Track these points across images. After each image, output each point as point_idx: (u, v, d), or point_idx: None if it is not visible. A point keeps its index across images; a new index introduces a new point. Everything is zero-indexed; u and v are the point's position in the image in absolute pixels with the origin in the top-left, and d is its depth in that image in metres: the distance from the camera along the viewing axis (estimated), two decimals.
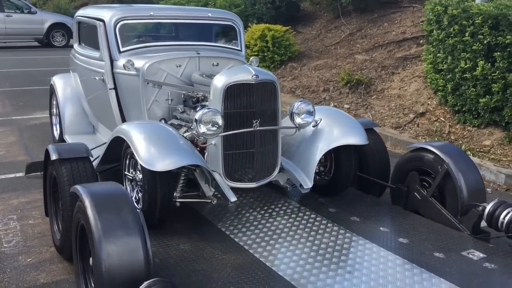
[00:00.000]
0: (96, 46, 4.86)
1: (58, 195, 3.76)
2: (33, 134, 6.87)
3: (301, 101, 3.92)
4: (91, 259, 2.85)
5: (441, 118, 7.01)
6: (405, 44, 9.48)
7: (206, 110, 3.44)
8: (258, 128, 3.64)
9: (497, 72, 5.86)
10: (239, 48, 5.07)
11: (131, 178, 3.66)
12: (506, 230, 3.43)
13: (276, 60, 10.37)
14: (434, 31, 6.97)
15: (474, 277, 2.97)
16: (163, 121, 4.22)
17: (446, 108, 7.08)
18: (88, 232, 2.66)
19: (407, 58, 8.92)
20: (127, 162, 3.68)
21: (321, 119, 3.98)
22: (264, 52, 10.29)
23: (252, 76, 3.54)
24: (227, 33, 5.19)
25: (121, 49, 4.57)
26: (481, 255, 3.24)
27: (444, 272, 2.99)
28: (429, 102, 7.46)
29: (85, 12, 5.44)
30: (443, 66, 6.79)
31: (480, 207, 3.59)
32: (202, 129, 3.45)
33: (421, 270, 3.01)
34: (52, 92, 6.08)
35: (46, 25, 16.72)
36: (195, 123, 3.44)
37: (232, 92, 3.56)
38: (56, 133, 6.07)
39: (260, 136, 3.69)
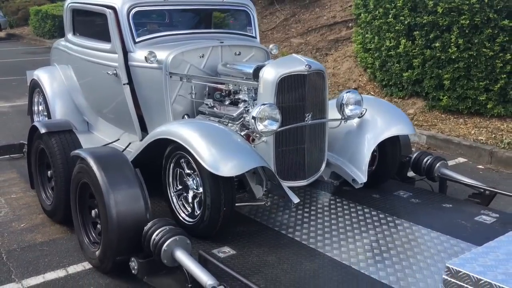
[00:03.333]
0: (102, 37, 4.40)
1: (43, 167, 4.20)
2: None
3: (348, 91, 3.72)
4: (93, 211, 3.38)
5: (371, 92, 7.87)
6: (336, 27, 10.32)
7: (263, 106, 3.21)
8: (310, 121, 3.46)
9: (417, 49, 6.73)
10: (253, 35, 4.75)
11: (181, 182, 3.42)
12: (426, 173, 4.27)
13: None
14: (362, 15, 7.80)
15: (404, 209, 3.74)
16: (186, 117, 4.02)
17: (375, 83, 7.96)
18: (95, 187, 3.16)
19: (339, 40, 9.75)
20: (171, 166, 3.43)
21: (365, 109, 3.79)
22: None
23: (305, 66, 3.35)
24: (239, 19, 4.87)
25: (136, 40, 4.17)
26: (408, 193, 4.02)
27: (383, 208, 3.71)
28: (360, 79, 8.31)
29: None
30: (371, 46, 7.63)
31: (407, 158, 4.40)
32: (260, 126, 3.23)
33: (363, 207, 3.73)
34: (34, 88, 5.57)
35: None
36: (252, 121, 3.20)
37: (285, 84, 3.35)
38: None
39: (310, 130, 3.51)
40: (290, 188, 3.34)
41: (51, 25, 17.98)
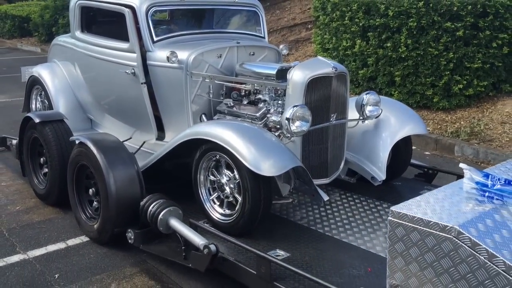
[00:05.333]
0: (118, 36, 4.44)
1: (35, 155, 4.57)
2: None
3: (368, 92, 3.89)
4: (90, 190, 3.80)
5: None
6: (296, 28, 10.93)
7: (296, 107, 3.33)
8: (334, 121, 3.62)
9: (371, 48, 7.38)
10: (262, 35, 4.90)
11: (213, 181, 3.49)
12: None
13: None
14: (320, 17, 8.41)
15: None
16: (203, 116, 4.10)
17: None
18: (95, 167, 3.59)
19: (299, 41, 10.36)
20: (203, 166, 3.50)
21: (382, 110, 3.94)
22: None
23: (332, 68, 3.51)
24: (249, 19, 5.01)
25: (155, 39, 4.22)
26: None
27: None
28: None
29: None
30: (329, 46, 8.25)
31: None
32: (293, 127, 3.35)
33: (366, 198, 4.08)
34: (32, 84, 5.58)
35: None
36: (286, 121, 3.33)
37: (313, 85, 3.48)
38: None
39: (333, 129, 3.67)
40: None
41: (11, 25, 17.89)
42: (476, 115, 6.76)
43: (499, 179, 2.37)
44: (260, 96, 3.88)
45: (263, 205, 3.23)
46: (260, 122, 3.73)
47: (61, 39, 5.47)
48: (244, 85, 3.97)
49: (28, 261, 3.56)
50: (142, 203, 3.44)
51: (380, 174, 3.82)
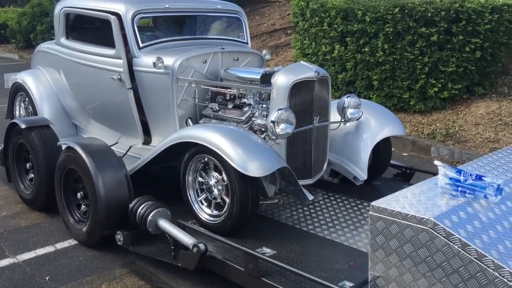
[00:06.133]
0: (104, 42, 4.50)
1: (21, 161, 4.61)
2: None
3: (349, 95, 4.04)
4: (78, 194, 3.87)
5: None
6: (275, 34, 11.10)
7: (280, 111, 3.44)
8: (317, 124, 3.75)
9: (349, 53, 7.57)
10: (245, 41, 4.99)
11: (201, 182, 3.58)
12: None
13: None
14: (300, 23, 8.59)
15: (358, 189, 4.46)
16: (189, 120, 4.17)
17: None
18: (84, 171, 3.66)
19: (279, 46, 10.53)
20: (191, 169, 3.58)
21: (362, 112, 4.08)
22: None
23: (314, 72, 3.63)
24: (231, 25, 5.11)
25: (141, 45, 4.29)
26: None
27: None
28: None
29: (81, 3, 4.85)
30: (309, 51, 8.42)
31: None
32: (278, 129, 3.44)
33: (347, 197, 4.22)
34: (16, 91, 5.58)
35: None
36: (271, 124, 3.42)
37: (296, 89, 3.60)
38: None
39: (316, 132, 3.79)
40: None
41: None
42: (451, 117, 7.00)
43: (470, 174, 2.53)
44: (245, 100, 3.99)
45: (251, 206, 3.33)
46: (245, 125, 3.83)
47: (45, 46, 5.51)
48: (229, 90, 4.07)
49: (18, 264, 3.61)
50: (131, 205, 3.52)
51: (362, 174, 3.97)
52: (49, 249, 3.83)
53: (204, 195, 3.59)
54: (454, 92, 7.10)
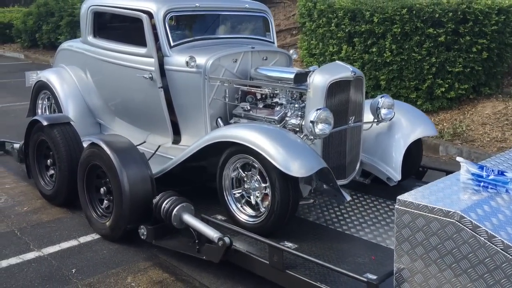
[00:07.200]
0: (135, 41, 4.50)
1: (41, 157, 4.69)
2: None
3: (383, 96, 4.03)
4: (101, 189, 3.96)
5: None
6: (281, 34, 11.18)
7: (319, 111, 3.43)
8: (352, 124, 3.76)
9: (357, 53, 7.68)
10: (272, 40, 5.03)
11: (239, 180, 3.61)
12: None
13: None
14: (307, 23, 8.69)
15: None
16: (219, 120, 4.18)
17: None
18: (108, 167, 3.75)
19: (285, 47, 10.60)
20: (229, 169, 3.58)
21: (395, 113, 4.07)
22: None
23: (351, 72, 3.65)
24: (258, 24, 5.12)
25: (172, 44, 4.31)
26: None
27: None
28: None
29: (110, 2, 4.83)
30: (316, 51, 8.53)
31: None
32: (316, 129, 3.44)
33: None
34: (39, 89, 5.59)
35: None
36: (310, 124, 3.42)
37: (333, 89, 3.61)
38: None
39: (350, 132, 3.80)
40: None
41: None
42: (458, 117, 7.10)
43: (492, 170, 2.63)
44: (276, 99, 3.99)
45: (292, 206, 3.34)
46: (279, 125, 3.82)
47: (69, 44, 5.50)
48: (260, 89, 4.08)
49: (43, 257, 3.70)
50: (155, 200, 3.61)
51: (395, 174, 3.97)
52: (73, 242, 3.92)
53: (241, 195, 3.60)
54: (461, 92, 7.21)
